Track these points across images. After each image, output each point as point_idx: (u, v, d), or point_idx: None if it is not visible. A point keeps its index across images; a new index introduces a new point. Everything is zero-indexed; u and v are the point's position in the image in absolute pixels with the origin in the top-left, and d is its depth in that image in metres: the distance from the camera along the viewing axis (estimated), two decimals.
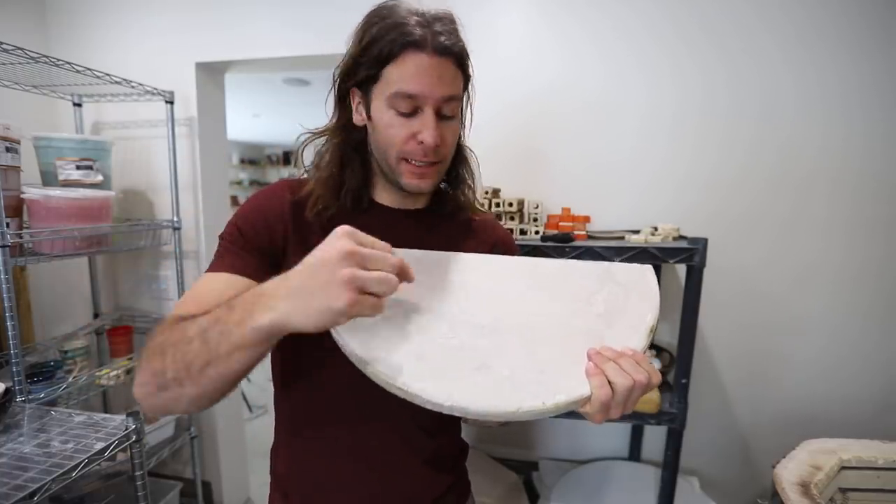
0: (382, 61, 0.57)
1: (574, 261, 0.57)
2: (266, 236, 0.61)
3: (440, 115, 0.58)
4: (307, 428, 0.65)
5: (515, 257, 0.58)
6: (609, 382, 0.44)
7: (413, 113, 0.57)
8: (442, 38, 0.56)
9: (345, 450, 0.64)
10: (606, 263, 0.55)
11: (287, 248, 0.62)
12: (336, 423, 0.63)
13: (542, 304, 0.52)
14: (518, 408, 0.43)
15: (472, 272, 0.55)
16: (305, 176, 0.67)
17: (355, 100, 0.62)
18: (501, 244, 0.73)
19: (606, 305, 0.51)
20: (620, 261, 1.08)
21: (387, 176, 0.64)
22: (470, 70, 0.63)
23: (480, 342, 0.48)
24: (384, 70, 0.57)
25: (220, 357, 0.44)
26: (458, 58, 0.59)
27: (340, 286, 0.39)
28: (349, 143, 0.65)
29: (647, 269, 0.54)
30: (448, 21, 0.58)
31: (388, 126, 0.58)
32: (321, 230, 0.62)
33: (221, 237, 0.62)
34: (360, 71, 0.59)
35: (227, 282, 0.57)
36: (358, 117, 0.63)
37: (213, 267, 0.60)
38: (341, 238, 0.41)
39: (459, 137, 0.68)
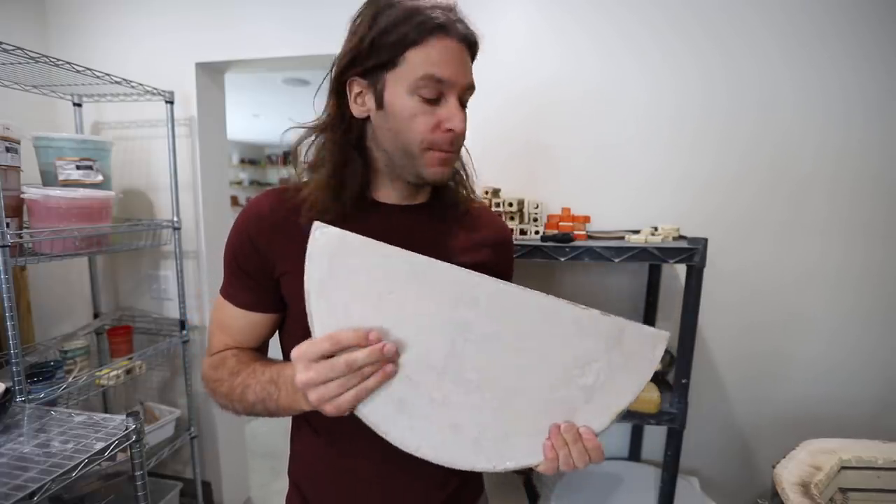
0: (406, 45, 0.54)
1: (594, 313, 0.50)
2: (257, 261, 0.61)
3: (461, 104, 0.58)
4: (325, 435, 0.66)
5: (536, 296, 0.51)
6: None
7: (437, 100, 0.56)
8: (461, 27, 0.56)
9: (362, 455, 0.64)
10: (624, 323, 0.50)
11: (276, 264, 0.61)
12: (355, 428, 0.64)
13: (538, 364, 0.50)
14: (472, 466, 0.51)
15: (480, 306, 0.50)
16: (303, 178, 0.64)
17: (354, 90, 0.59)
18: (501, 241, 0.73)
19: (597, 378, 0.50)
20: (620, 261, 1.08)
21: (396, 170, 0.61)
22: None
23: (462, 399, 0.50)
24: (406, 54, 0.55)
25: (280, 413, 0.56)
26: (473, 50, 0.59)
27: (317, 406, 0.48)
28: (349, 139, 0.61)
29: (661, 340, 0.51)
30: (460, 11, 0.58)
31: (412, 115, 0.56)
32: (304, 223, 0.61)
33: (224, 259, 0.64)
34: (370, 57, 0.56)
35: (246, 318, 0.64)
36: (359, 109, 0.60)
37: (227, 293, 0.65)
38: (298, 374, 0.48)
39: None
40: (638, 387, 0.51)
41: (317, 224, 0.50)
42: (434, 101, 0.56)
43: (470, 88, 0.59)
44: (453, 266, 0.50)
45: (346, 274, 0.50)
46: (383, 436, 0.50)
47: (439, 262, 0.51)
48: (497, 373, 0.50)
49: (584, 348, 0.50)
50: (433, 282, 0.50)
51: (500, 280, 0.51)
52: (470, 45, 0.58)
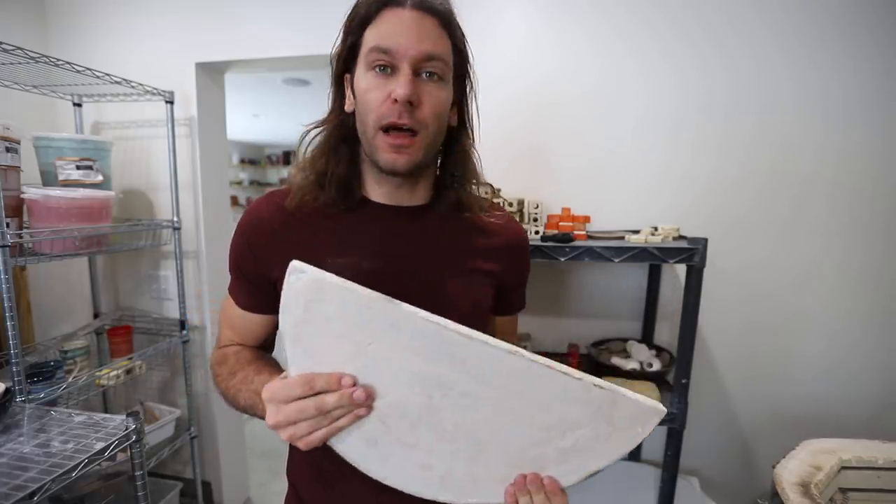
0: (364, 25, 0.56)
1: (588, 382, 0.47)
2: (255, 266, 0.62)
3: (421, 76, 0.55)
4: (320, 448, 0.65)
5: (526, 360, 0.47)
6: None
7: (392, 73, 0.55)
8: None
9: (357, 470, 0.64)
10: (617, 396, 0.48)
11: (274, 268, 0.60)
12: None
13: (517, 424, 0.49)
14: (435, 498, 0.52)
15: (465, 367, 0.48)
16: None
17: (348, 87, 0.60)
18: (514, 245, 0.69)
19: (576, 443, 0.49)
20: (620, 261, 1.08)
21: (370, 158, 0.59)
22: (461, 39, 0.60)
23: (434, 446, 0.50)
24: (364, 34, 0.56)
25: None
26: (442, 18, 0.56)
27: (288, 441, 0.49)
28: (339, 132, 0.62)
29: (655, 416, 0.48)
30: None
31: (366, 91, 0.55)
32: (300, 226, 0.61)
33: (228, 259, 0.65)
34: (345, 46, 0.58)
35: (247, 318, 0.67)
36: (348, 103, 0.61)
37: (232, 293, 0.67)
38: (268, 416, 0.48)
39: (465, 135, 0.66)
40: (618, 455, 0.50)
41: (293, 266, 0.46)
42: (389, 75, 0.55)
43: (432, 59, 0.55)
44: (440, 320, 0.46)
45: (323, 320, 0.47)
46: (353, 464, 0.51)
47: (425, 315, 0.46)
48: (473, 427, 0.49)
49: (569, 415, 0.48)
50: (416, 336, 0.47)
51: (489, 339, 0.47)
52: (433, 13, 0.55)
